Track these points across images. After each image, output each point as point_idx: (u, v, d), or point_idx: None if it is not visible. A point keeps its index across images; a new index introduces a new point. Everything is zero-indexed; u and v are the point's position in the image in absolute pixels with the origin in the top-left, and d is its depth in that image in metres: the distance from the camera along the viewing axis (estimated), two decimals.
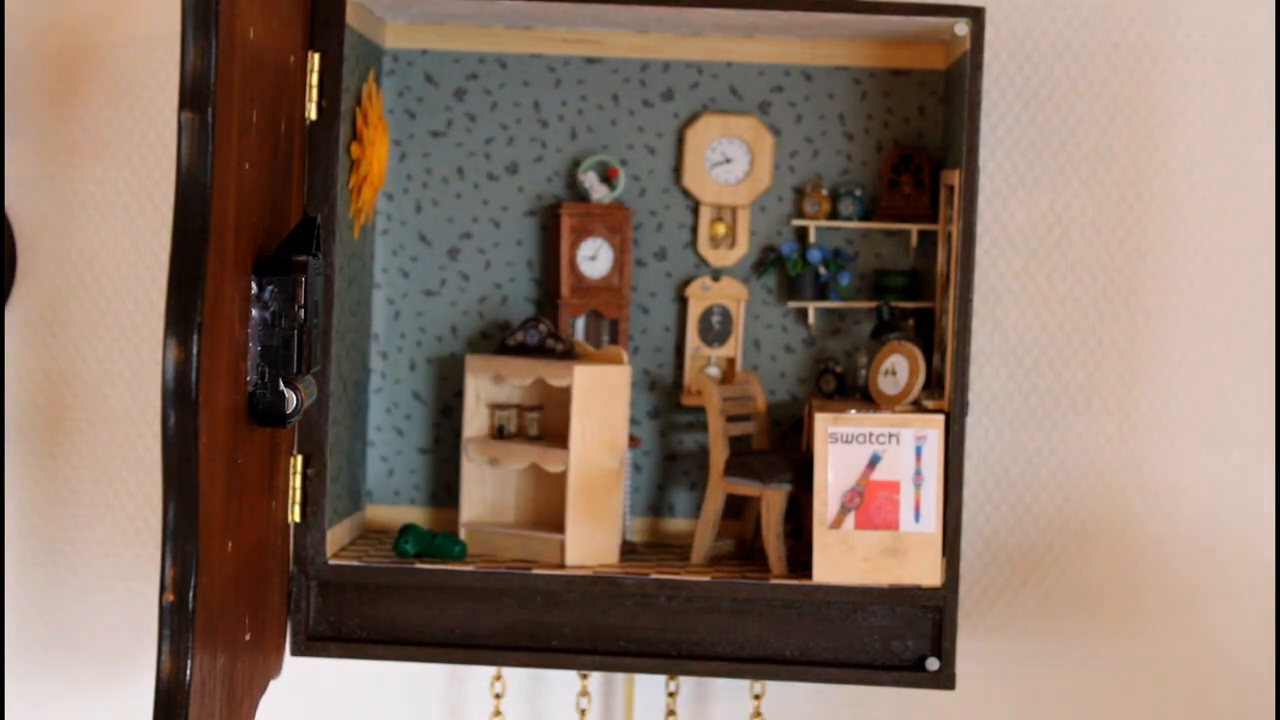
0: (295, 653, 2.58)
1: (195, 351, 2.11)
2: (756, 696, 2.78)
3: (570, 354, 2.71)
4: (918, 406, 2.65)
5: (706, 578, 2.58)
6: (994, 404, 2.82)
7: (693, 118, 2.81)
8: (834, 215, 2.80)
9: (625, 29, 2.77)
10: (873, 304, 2.80)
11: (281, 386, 2.33)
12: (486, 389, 2.77)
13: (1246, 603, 2.82)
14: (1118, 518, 2.82)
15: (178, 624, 2.14)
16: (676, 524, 2.85)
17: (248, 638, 2.39)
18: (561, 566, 2.63)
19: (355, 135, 2.64)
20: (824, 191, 2.80)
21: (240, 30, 2.23)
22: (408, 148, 2.82)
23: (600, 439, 2.66)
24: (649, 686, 2.86)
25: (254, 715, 2.46)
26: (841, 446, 2.57)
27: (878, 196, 2.80)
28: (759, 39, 2.79)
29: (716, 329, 2.83)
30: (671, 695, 2.82)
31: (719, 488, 2.69)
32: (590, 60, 2.81)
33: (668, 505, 2.85)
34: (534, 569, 2.59)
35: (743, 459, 2.68)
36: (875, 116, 2.80)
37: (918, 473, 2.56)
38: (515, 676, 2.87)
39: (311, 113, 2.53)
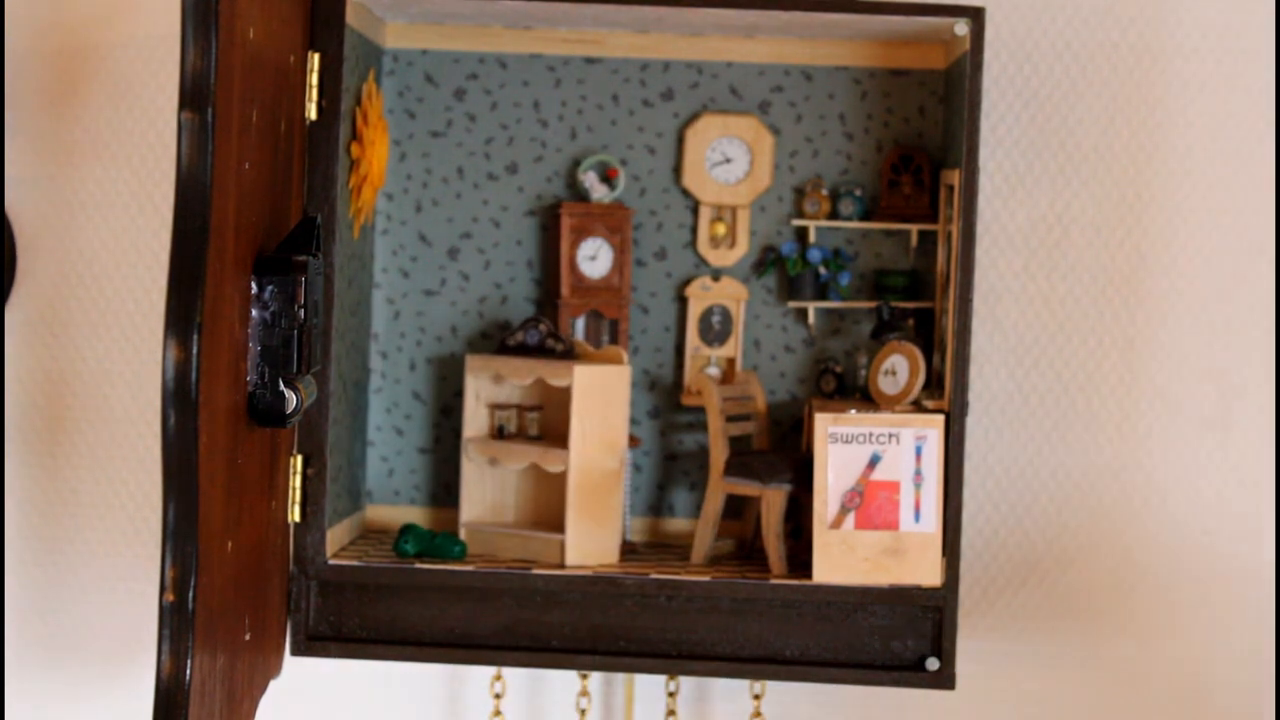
0: (295, 653, 2.58)
1: (195, 351, 2.11)
2: (756, 696, 2.78)
3: (570, 354, 2.71)
4: (918, 406, 2.65)
5: (706, 578, 2.58)
6: (994, 404, 2.82)
7: (693, 118, 2.81)
8: (834, 215, 2.80)
9: (625, 29, 2.77)
10: (873, 304, 2.79)
11: (281, 386, 2.33)
12: (486, 389, 2.77)
13: (1246, 603, 2.82)
14: (1118, 517, 2.82)
15: (178, 624, 2.14)
16: (676, 524, 2.85)
17: (248, 638, 2.39)
18: (561, 566, 2.63)
19: (355, 135, 2.64)
20: (824, 191, 2.80)
21: (240, 30, 2.23)
22: (408, 148, 2.82)
23: (600, 439, 2.66)
24: (649, 686, 2.86)
25: (254, 715, 2.46)
26: (841, 446, 2.57)
27: (878, 196, 2.80)
28: (759, 39, 2.79)
29: (716, 329, 2.83)
30: (671, 695, 2.82)
31: (719, 488, 2.69)
32: (590, 60, 2.81)
33: (668, 505, 2.85)
34: (534, 569, 2.59)
35: (743, 459, 2.68)
36: (875, 116, 2.80)
37: (918, 473, 2.56)
38: (515, 676, 2.87)
39: (311, 113, 2.53)
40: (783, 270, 2.83)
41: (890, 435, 2.57)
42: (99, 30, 2.82)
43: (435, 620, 2.58)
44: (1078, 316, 2.82)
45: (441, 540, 2.66)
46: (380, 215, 2.82)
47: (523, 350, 2.74)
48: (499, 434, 2.76)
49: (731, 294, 2.82)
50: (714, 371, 2.83)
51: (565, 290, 2.80)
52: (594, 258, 2.81)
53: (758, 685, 2.78)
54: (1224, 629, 2.82)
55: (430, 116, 2.81)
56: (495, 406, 2.77)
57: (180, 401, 2.11)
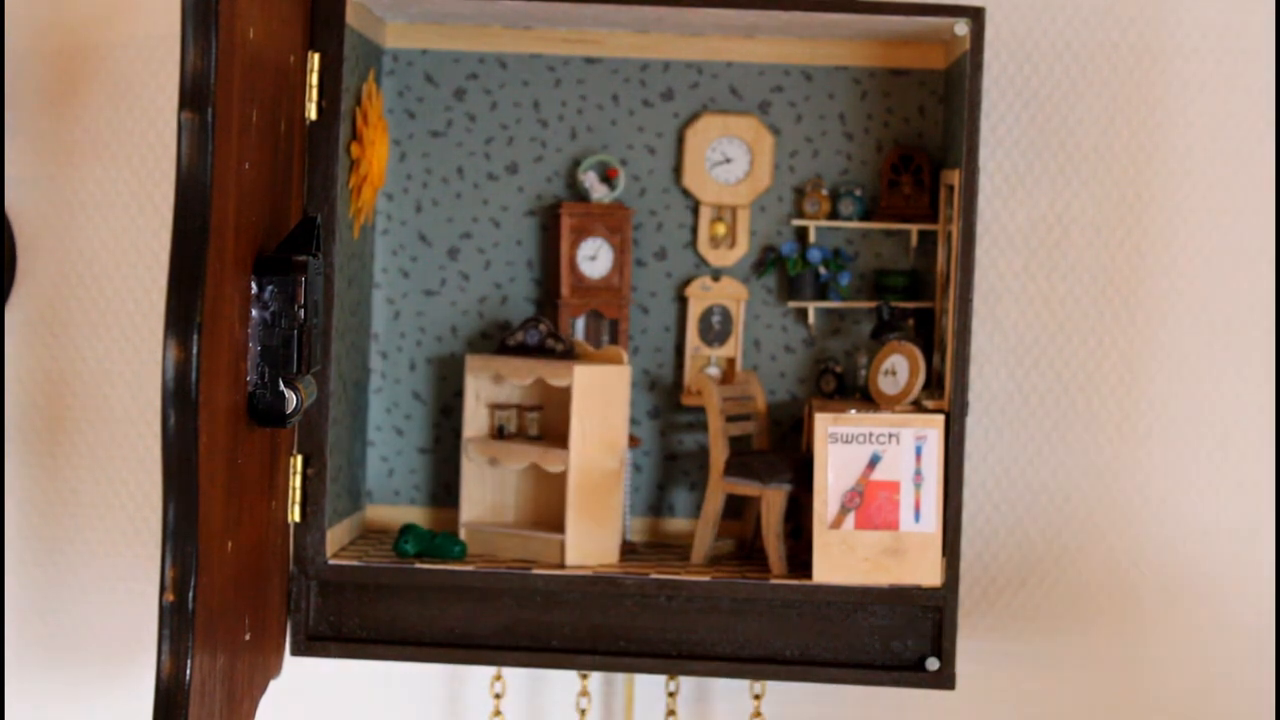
0: (295, 653, 2.58)
1: (195, 351, 2.11)
2: (756, 696, 2.78)
3: (570, 354, 2.71)
4: (918, 406, 2.65)
5: (706, 578, 2.58)
6: (994, 404, 2.82)
7: (693, 118, 2.81)
8: (834, 215, 2.80)
9: (625, 29, 2.77)
10: (873, 304, 2.79)
11: (281, 386, 2.33)
12: (486, 389, 2.77)
13: (1246, 602, 2.82)
14: (1118, 517, 2.82)
15: (178, 624, 2.14)
16: (676, 524, 2.85)
17: (248, 638, 2.39)
18: (561, 566, 2.63)
19: (355, 135, 2.64)
20: (824, 191, 2.80)
21: (240, 30, 2.23)
22: (408, 148, 2.82)
23: (600, 439, 2.66)
24: (649, 686, 2.86)
25: (254, 715, 2.46)
26: (841, 446, 2.57)
27: (878, 196, 2.80)
28: (759, 39, 2.79)
29: (716, 329, 2.83)
30: (671, 695, 2.82)
31: (719, 488, 2.69)
32: (590, 60, 2.81)
33: (668, 505, 2.85)
34: (534, 569, 2.59)
35: (743, 459, 2.68)
36: (875, 116, 2.80)
37: (918, 473, 2.56)
38: (515, 676, 2.87)
39: (311, 113, 2.53)
40: (783, 270, 2.83)
41: (890, 435, 2.57)
42: (99, 30, 2.82)
43: (435, 620, 2.58)
44: (1078, 316, 2.82)
45: (441, 540, 2.66)
46: (380, 215, 2.82)
47: (523, 350, 2.74)
48: (499, 434, 2.76)
49: (731, 294, 2.82)
50: (714, 371, 2.83)
51: (565, 290, 2.80)
52: (594, 258, 2.81)
53: (758, 685, 2.78)
54: (1224, 629, 2.82)
55: (430, 116, 2.81)
56: (495, 406, 2.77)
57: (180, 401, 2.11)
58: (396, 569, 2.57)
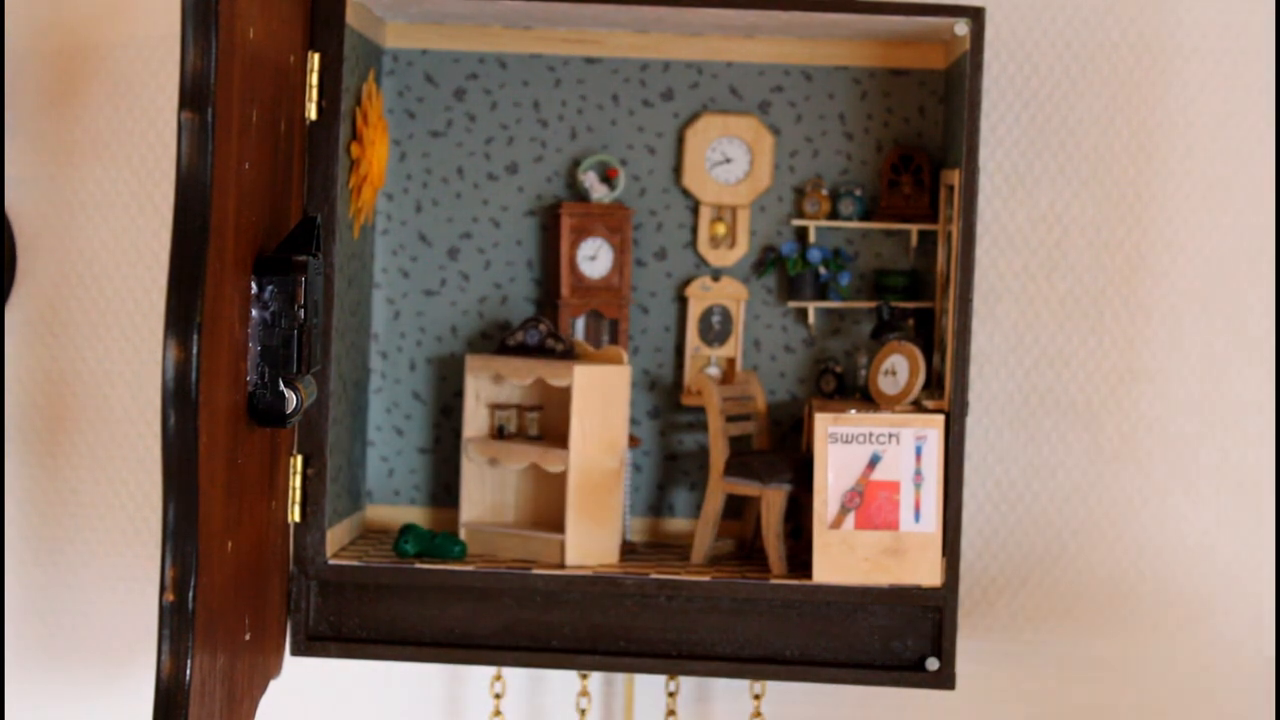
0: (295, 653, 2.58)
1: (195, 351, 2.11)
2: (756, 696, 2.78)
3: (570, 354, 2.71)
4: (918, 406, 2.65)
5: (706, 578, 2.58)
6: (994, 404, 2.82)
7: (693, 118, 2.81)
8: (834, 215, 2.80)
9: (625, 29, 2.77)
10: (873, 304, 2.79)
11: (281, 386, 2.33)
12: (486, 389, 2.77)
13: (1246, 603, 2.82)
14: (1117, 517, 2.82)
15: (178, 624, 2.14)
16: (676, 524, 2.85)
17: (248, 638, 2.39)
18: (561, 566, 2.63)
19: (355, 135, 2.64)
20: (824, 191, 2.80)
21: (240, 30, 2.23)
22: (408, 148, 2.82)
23: (600, 439, 2.66)
24: (649, 686, 2.86)
25: (254, 715, 2.46)
26: (841, 446, 2.57)
27: (878, 196, 2.80)
28: (759, 39, 2.79)
29: (716, 329, 2.83)
30: (671, 695, 2.82)
31: (719, 488, 2.69)
32: (590, 60, 2.81)
33: (668, 505, 2.85)
34: (534, 569, 2.59)
35: (743, 459, 2.68)
36: (875, 116, 2.80)
37: (918, 473, 2.56)
38: (515, 676, 2.87)
39: (311, 113, 2.53)
40: (783, 270, 2.83)
41: (890, 435, 2.57)
42: (99, 30, 2.82)
43: (435, 620, 2.58)
44: (1078, 316, 2.82)
45: (441, 540, 2.66)
46: (380, 215, 2.82)
47: (523, 350, 2.74)
48: (499, 434, 2.76)
49: (731, 294, 2.82)
50: (714, 371, 2.83)
51: (565, 290, 2.80)
52: (594, 258, 2.81)
53: (758, 685, 2.77)
54: (1223, 629, 2.82)
55: (430, 116, 2.81)
56: (495, 406, 2.77)
57: (180, 401, 2.11)
58: (396, 569, 2.57)
